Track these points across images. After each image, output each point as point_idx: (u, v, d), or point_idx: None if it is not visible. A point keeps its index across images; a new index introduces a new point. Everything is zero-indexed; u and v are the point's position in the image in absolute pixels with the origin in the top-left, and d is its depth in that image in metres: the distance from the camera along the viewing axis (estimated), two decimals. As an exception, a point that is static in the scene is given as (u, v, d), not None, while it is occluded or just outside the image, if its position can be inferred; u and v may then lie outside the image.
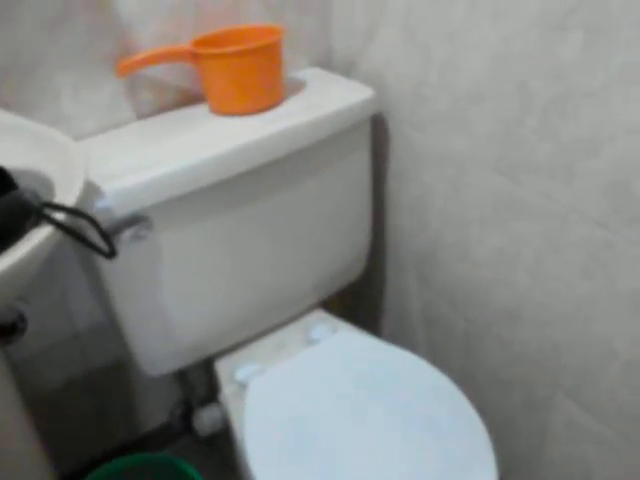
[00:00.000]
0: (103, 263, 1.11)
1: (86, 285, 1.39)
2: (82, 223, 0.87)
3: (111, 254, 0.86)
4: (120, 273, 1.13)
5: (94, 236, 0.88)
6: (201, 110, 1.28)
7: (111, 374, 1.56)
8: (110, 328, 1.46)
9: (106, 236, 0.86)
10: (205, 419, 1.34)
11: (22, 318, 1.27)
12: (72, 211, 0.83)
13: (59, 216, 0.82)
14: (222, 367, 1.35)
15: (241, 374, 1.30)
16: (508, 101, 1.11)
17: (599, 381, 1.18)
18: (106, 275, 1.13)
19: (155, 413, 1.72)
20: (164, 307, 1.20)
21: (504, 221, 1.22)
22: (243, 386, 1.28)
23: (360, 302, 1.80)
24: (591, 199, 1.04)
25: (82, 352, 1.48)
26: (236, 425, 1.22)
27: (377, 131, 1.44)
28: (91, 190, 1.03)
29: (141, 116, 1.28)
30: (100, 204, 1.03)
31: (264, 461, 1.12)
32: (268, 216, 1.25)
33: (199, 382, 1.59)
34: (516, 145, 1.13)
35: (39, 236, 0.79)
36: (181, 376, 1.64)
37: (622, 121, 0.95)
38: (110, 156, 1.14)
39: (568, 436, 1.30)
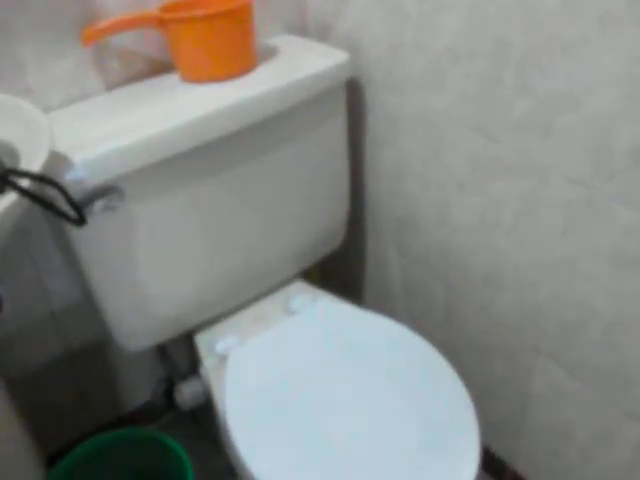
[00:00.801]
0: (76, 237, 1.09)
1: (61, 262, 1.36)
2: (52, 194, 0.85)
3: (80, 221, 0.84)
4: (93, 246, 1.11)
5: (64, 208, 0.85)
6: (171, 79, 1.25)
7: (91, 353, 1.54)
8: (87, 305, 1.44)
9: (74, 203, 0.84)
10: (186, 393, 1.32)
11: (-2, 297, 1.24)
12: (38, 177, 0.80)
13: (24, 183, 0.80)
14: (202, 340, 1.33)
15: (221, 346, 1.28)
16: (484, 58, 1.09)
17: (580, 342, 1.17)
18: (79, 249, 1.11)
19: (138, 391, 1.70)
20: (140, 280, 1.18)
21: (482, 183, 1.21)
22: (223, 358, 1.27)
23: (340, 273, 1.78)
24: (570, 156, 1.03)
25: (60, 331, 1.46)
26: (217, 397, 1.21)
27: (353, 96, 1.42)
28: (60, 161, 1.01)
29: (110, 86, 1.26)
30: (70, 175, 1.01)
31: (245, 431, 1.11)
32: (243, 185, 1.23)
33: (181, 359, 1.57)
34: (493, 103, 1.11)
35: (3, 204, 0.77)
36: (162, 353, 1.62)
37: (601, 73, 0.93)
38: (78, 127, 1.11)
39: (550, 398, 1.30)
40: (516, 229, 1.18)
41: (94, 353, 1.55)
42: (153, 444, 1.27)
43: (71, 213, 0.85)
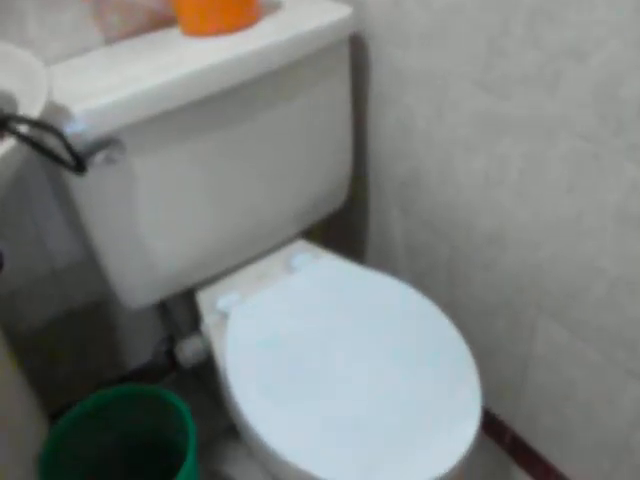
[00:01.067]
0: (77, 192, 1.08)
1: (62, 220, 1.35)
2: (52, 144, 0.84)
3: (80, 169, 0.83)
4: (94, 200, 1.10)
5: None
6: (172, 33, 1.24)
7: (92, 312, 1.54)
8: (88, 263, 1.43)
9: (73, 150, 0.83)
10: (187, 350, 1.32)
11: (-1, 254, 1.24)
12: (37, 123, 0.79)
13: (23, 129, 0.79)
14: (203, 298, 1.32)
15: (222, 303, 1.28)
16: (491, 9, 1.07)
17: (583, 301, 1.17)
18: (80, 204, 1.10)
19: (140, 351, 1.70)
20: (141, 235, 1.17)
21: (488, 141, 1.19)
22: (224, 315, 1.26)
23: (342, 232, 1.77)
24: (577, 110, 1.01)
25: (61, 289, 1.45)
26: (218, 354, 1.21)
27: (357, 52, 1.40)
28: (60, 114, 0.99)
29: (109, 41, 1.24)
30: (70, 128, 1.00)
31: (246, 387, 1.11)
32: (244, 141, 1.22)
33: (182, 318, 1.57)
34: (500, 57, 1.09)
35: (2, 149, 0.76)
36: (164, 312, 1.62)
37: (611, 24, 0.92)
38: (78, 80, 1.10)
39: (552, 358, 1.30)
40: (521, 187, 1.17)
41: (95, 312, 1.54)
42: (155, 400, 1.26)
43: (71, 161, 0.84)
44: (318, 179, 1.38)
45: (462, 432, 1.03)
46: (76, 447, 1.26)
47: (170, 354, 1.68)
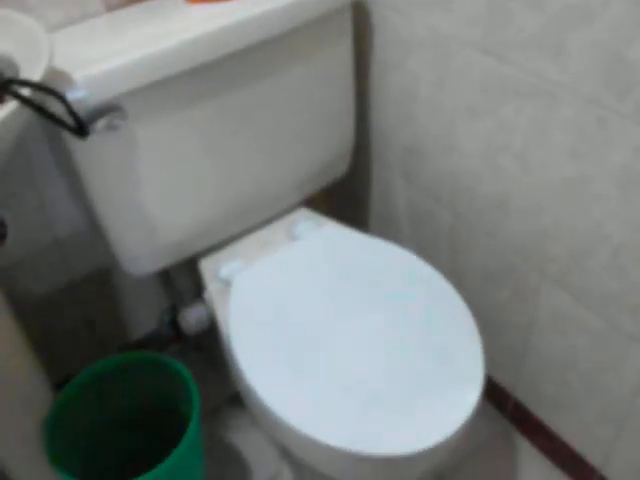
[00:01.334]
0: (79, 159, 1.08)
1: (64, 189, 1.35)
2: (54, 109, 0.84)
3: (82, 132, 0.83)
4: (96, 167, 1.10)
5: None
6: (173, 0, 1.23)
7: (96, 281, 1.54)
8: (91, 232, 1.43)
9: (74, 113, 0.83)
10: (190, 318, 1.32)
11: (2, 224, 1.24)
12: (38, 86, 0.79)
13: (25, 92, 0.78)
14: (206, 266, 1.33)
15: (225, 271, 1.28)
16: (494, -26, 1.06)
17: (587, 267, 1.16)
18: (83, 171, 1.10)
19: (143, 321, 1.71)
20: (143, 203, 1.17)
21: (491, 106, 1.19)
22: (227, 283, 1.26)
23: (345, 202, 1.77)
24: (582, 73, 1.00)
25: (64, 259, 1.46)
26: (221, 321, 1.21)
27: (359, 19, 1.39)
28: (61, 80, 0.99)
29: (110, 7, 1.23)
30: (72, 94, 0.99)
31: (249, 354, 1.11)
32: (246, 109, 1.21)
33: (186, 288, 1.57)
34: (503, 20, 1.08)
35: (4, 112, 0.76)
36: (167, 281, 1.62)
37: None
38: (79, 47, 1.10)
39: (555, 326, 1.30)
40: (525, 152, 1.16)
41: (99, 281, 1.55)
42: (159, 368, 1.27)
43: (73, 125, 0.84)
44: (320, 147, 1.38)
45: (464, 398, 1.04)
46: (80, 414, 1.27)
47: (174, 324, 1.68)
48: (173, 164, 1.17)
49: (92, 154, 1.08)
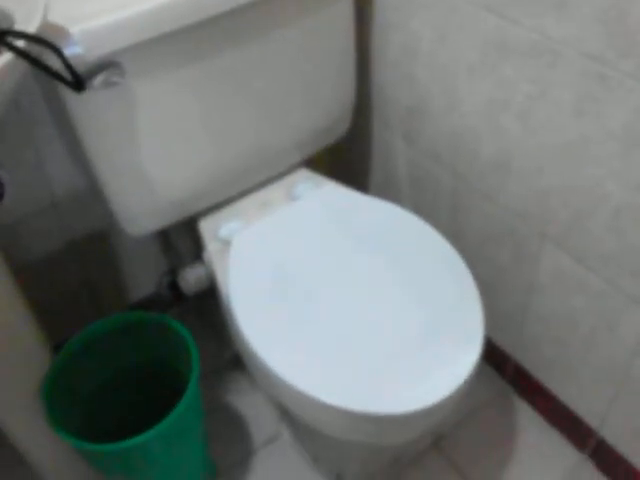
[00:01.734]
0: (77, 117, 1.07)
1: (63, 148, 1.34)
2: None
3: (78, 86, 0.82)
4: (94, 125, 1.09)
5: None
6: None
7: (95, 243, 1.54)
8: (90, 194, 1.42)
9: (70, 66, 0.81)
10: (190, 277, 1.32)
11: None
12: (34, 38, 0.78)
13: (20, 44, 0.77)
14: (205, 226, 1.32)
15: (224, 231, 1.28)
16: None
17: (587, 228, 1.16)
18: (81, 129, 1.09)
19: (143, 283, 1.71)
20: (141, 161, 1.16)
21: (493, 66, 1.17)
22: (226, 243, 1.26)
23: (345, 164, 1.76)
24: (585, 31, 0.99)
25: (63, 220, 1.45)
26: (220, 281, 1.21)
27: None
28: (58, 35, 0.97)
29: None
30: (68, 50, 0.97)
31: (249, 313, 1.11)
32: (245, 67, 1.20)
33: (186, 250, 1.56)
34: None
35: (-1, 63, 0.75)
36: (166, 243, 1.62)
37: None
38: (76, 3, 1.07)
39: (555, 287, 1.30)
40: (526, 112, 1.15)
41: (98, 242, 1.54)
42: (158, 328, 1.27)
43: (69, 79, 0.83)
44: (320, 107, 1.36)
45: (464, 358, 1.04)
46: (80, 374, 1.27)
47: (173, 286, 1.68)
48: (171, 123, 1.16)
49: (90, 111, 1.06)
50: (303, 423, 1.13)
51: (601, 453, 1.41)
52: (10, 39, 0.76)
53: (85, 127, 1.09)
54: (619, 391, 1.28)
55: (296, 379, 1.02)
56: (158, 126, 1.15)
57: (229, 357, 1.70)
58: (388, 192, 1.64)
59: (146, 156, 1.16)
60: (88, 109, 1.06)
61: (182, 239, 1.51)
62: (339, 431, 1.06)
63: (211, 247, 1.27)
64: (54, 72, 0.79)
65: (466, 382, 1.02)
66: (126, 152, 1.14)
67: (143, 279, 1.70)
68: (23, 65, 0.79)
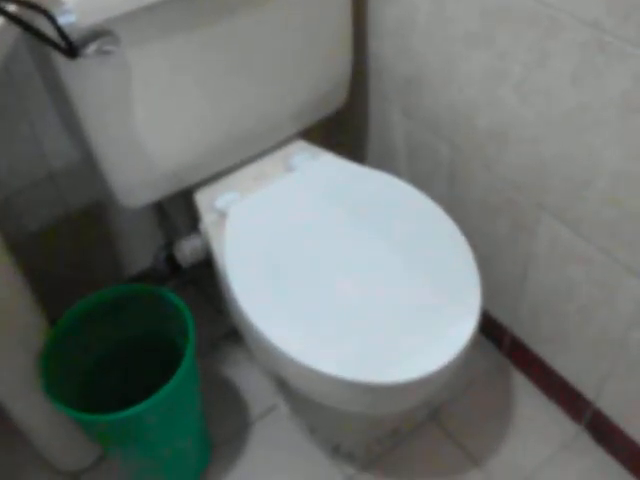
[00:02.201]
0: (72, 87, 1.06)
1: (58, 120, 1.33)
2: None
3: (71, 52, 0.81)
4: (89, 94, 1.08)
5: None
6: None
7: (91, 217, 1.53)
8: (86, 167, 1.42)
9: (63, 32, 0.80)
10: (186, 248, 1.32)
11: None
12: (25, 3, 0.77)
13: (11, 9, 0.76)
14: (201, 198, 1.32)
15: (220, 202, 1.27)
16: None
17: (585, 198, 1.15)
18: (75, 98, 1.08)
19: (139, 257, 1.70)
20: (136, 131, 1.16)
21: (491, 35, 1.16)
22: (223, 214, 1.25)
23: (342, 136, 1.75)
24: (583, -4, 0.98)
25: (58, 193, 1.44)
26: (217, 252, 1.20)
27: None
28: (52, 3, 0.96)
29: None
30: (62, 19, 0.96)
31: (246, 285, 1.11)
32: (241, 37, 1.18)
33: (182, 223, 1.56)
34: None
35: (-10, 28, 0.74)
36: (163, 217, 1.61)
37: None
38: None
39: (552, 259, 1.29)
40: (524, 81, 1.14)
41: (94, 216, 1.54)
42: (154, 300, 1.26)
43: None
44: (316, 77, 1.35)
45: (460, 328, 1.04)
46: (76, 348, 1.27)
47: (170, 260, 1.67)
48: (166, 93, 1.15)
49: (84, 81, 1.05)
50: (301, 394, 1.13)
51: (597, 424, 1.41)
52: (2, 4, 0.75)
53: (79, 97, 1.08)
54: (615, 362, 1.28)
55: (293, 349, 1.02)
56: (153, 96, 1.14)
57: (226, 331, 1.70)
58: (385, 164, 1.64)
59: (141, 126, 1.16)
60: (82, 79, 1.05)
61: (178, 212, 1.51)
62: (337, 401, 1.06)
63: (207, 218, 1.27)
64: (47, 38, 0.78)
65: (463, 351, 1.02)
66: (121, 122, 1.13)
67: (139, 253, 1.69)
68: (15, 31, 0.78)
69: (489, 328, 1.58)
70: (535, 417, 1.50)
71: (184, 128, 1.21)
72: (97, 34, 1.01)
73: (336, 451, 1.45)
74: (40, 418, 1.29)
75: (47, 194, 1.43)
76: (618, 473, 1.40)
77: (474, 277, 1.11)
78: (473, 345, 1.06)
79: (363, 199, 1.23)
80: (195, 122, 1.22)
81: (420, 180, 1.54)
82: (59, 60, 1.01)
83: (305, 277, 1.11)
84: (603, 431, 1.41)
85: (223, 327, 1.71)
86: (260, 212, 1.23)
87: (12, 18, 0.74)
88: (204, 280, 1.81)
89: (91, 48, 1.00)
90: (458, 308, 1.06)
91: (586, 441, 1.44)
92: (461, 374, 1.56)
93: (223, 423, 1.53)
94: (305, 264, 1.13)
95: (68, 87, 1.06)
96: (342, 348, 1.02)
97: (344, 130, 1.73)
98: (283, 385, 1.50)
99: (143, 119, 1.15)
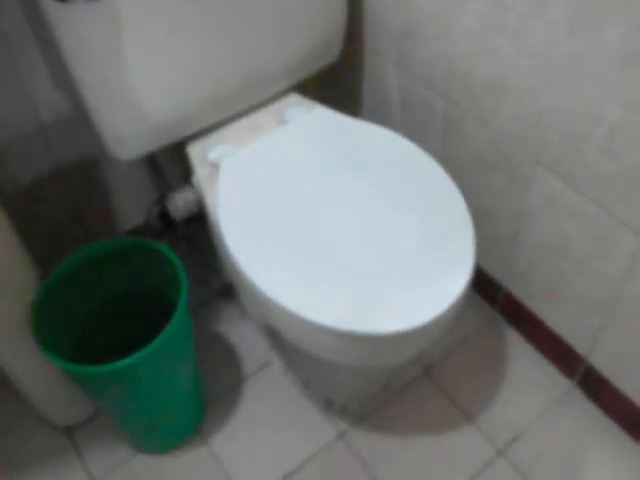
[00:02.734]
0: (61, 35, 1.04)
1: (47, 71, 1.31)
2: None
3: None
4: (78, 41, 1.05)
5: None
6: None
7: (83, 171, 1.52)
8: (77, 118, 1.40)
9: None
10: (179, 201, 1.30)
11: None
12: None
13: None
14: (194, 150, 1.30)
15: (213, 155, 1.25)
16: None
17: (581, 151, 1.15)
18: (65, 46, 1.05)
19: (132, 213, 1.70)
20: (126, 79, 1.13)
21: (488, -16, 1.15)
22: (215, 166, 1.24)
23: (336, 90, 1.73)
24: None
25: (50, 147, 1.43)
26: (210, 205, 1.19)
27: None
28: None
29: None
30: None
31: (239, 237, 1.10)
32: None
33: (175, 178, 1.55)
34: None
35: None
36: (156, 171, 1.60)
37: None
38: None
39: (547, 214, 1.29)
40: (521, 31, 1.13)
41: (86, 170, 1.52)
42: (147, 254, 1.25)
43: None
44: (310, 29, 1.32)
45: (454, 278, 1.03)
46: (69, 300, 1.26)
47: (163, 217, 1.66)
48: (157, 42, 1.13)
49: (74, 28, 1.03)
50: (295, 348, 1.13)
51: (589, 380, 1.42)
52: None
53: (69, 46, 1.05)
54: (609, 318, 1.28)
55: (287, 300, 1.01)
56: (143, 44, 1.12)
57: (219, 287, 1.70)
58: (380, 119, 1.62)
59: (131, 75, 1.13)
60: (72, 26, 1.03)
61: (171, 166, 1.49)
62: (331, 353, 1.06)
63: (200, 171, 1.25)
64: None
65: (457, 303, 1.02)
66: (111, 70, 1.11)
67: (132, 209, 1.68)
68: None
69: (482, 285, 1.58)
70: (528, 373, 1.50)
71: (175, 78, 1.19)
72: (86, -21, 0.99)
73: (329, 406, 1.46)
74: (34, 373, 1.29)
75: (38, 147, 1.41)
76: (609, 428, 1.41)
77: (468, 229, 1.10)
78: (466, 300, 1.06)
79: (357, 151, 1.22)
80: (186, 73, 1.20)
81: (415, 135, 1.52)
82: (49, 7, 0.99)
83: (299, 228, 1.10)
84: (595, 387, 1.41)
85: (217, 284, 1.71)
86: (253, 164, 1.22)
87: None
88: (198, 237, 1.80)
89: (80, -7, 0.99)
90: (452, 259, 1.06)
91: (578, 397, 1.45)
92: (454, 331, 1.56)
93: (217, 379, 1.53)
94: (299, 215, 1.12)
95: (58, 35, 1.04)
96: (335, 298, 1.01)
97: (338, 84, 1.71)
98: (277, 341, 1.50)
99: (134, 68, 1.13)
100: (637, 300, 1.21)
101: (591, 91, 1.07)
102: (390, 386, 1.48)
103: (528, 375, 1.50)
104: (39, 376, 1.30)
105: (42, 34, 1.12)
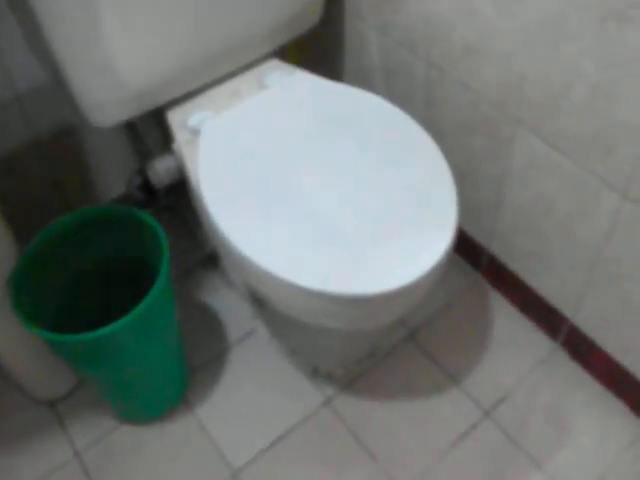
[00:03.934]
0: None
1: (22, 38, 1.28)
2: None
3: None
4: (54, 6, 1.03)
5: None
6: None
7: (62, 141, 1.50)
8: (54, 87, 1.38)
9: None
10: (159, 168, 1.28)
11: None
12: None
13: None
14: (174, 116, 1.28)
15: (193, 120, 1.24)
16: None
17: (562, 110, 1.14)
18: (40, 12, 1.03)
19: (113, 184, 1.68)
20: (103, 46, 1.11)
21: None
22: (196, 132, 1.23)
23: (317, 56, 1.71)
24: None
25: (27, 116, 1.41)
26: (190, 170, 1.18)
27: None
28: None
29: None
30: None
31: (220, 202, 1.10)
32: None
33: (155, 148, 1.53)
34: None
35: None
36: (136, 140, 1.58)
37: None
38: None
39: (529, 174, 1.29)
40: (501, -10, 1.12)
41: (65, 140, 1.50)
42: (128, 222, 1.24)
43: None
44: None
45: (437, 239, 1.03)
46: (49, 270, 1.24)
47: (144, 187, 1.65)
48: (134, 8, 1.11)
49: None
50: (280, 313, 1.12)
51: (573, 341, 1.43)
52: None
53: (45, 12, 1.04)
54: (592, 278, 1.29)
55: (271, 264, 1.01)
56: (120, 10, 1.09)
57: (203, 257, 1.69)
58: (362, 84, 1.60)
59: (108, 41, 1.11)
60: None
61: (151, 134, 1.48)
62: (317, 317, 1.06)
63: (180, 137, 1.24)
64: None
65: (441, 263, 1.02)
66: (87, 34, 1.09)
67: (113, 179, 1.67)
68: None
69: (466, 248, 1.58)
70: (512, 335, 1.51)
71: (153, 44, 1.17)
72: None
73: (315, 373, 1.46)
74: (14, 345, 1.28)
75: (15, 116, 1.39)
76: (593, 388, 1.42)
77: (451, 188, 1.10)
78: (450, 262, 1.06)
79: (339, 113, 1.21)
80: (164, 38, 1.18)
81: (397, 100, 1.51)
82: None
83: (281, 191, 1.10)
84: (579, 347, 1.42)
85: (201, 254, 1.70)
86: (233, 129, 1.20)
87: None
88: (181, 208, 1.79)
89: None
90: (435, 219, 1.06)
91: (562, 357, 1.46)
92: (438, 294, 1.56)
93: (201, 347, 1.53)
94: (281, 178, 1.11)
95: (33, 3, 1.02)
96: (319, 260, 1.01)
97: (319, 50, 1.69)
98: (262, 309, 1.49)
99: (110, 34, 1.11)
100: (618, 259, 1.21)
101: (571, 48, 1.06)
102: (376, 351, 1.48)
103: (513, 337, 1.50)
104: (20, 348, 1.29)
105: (17, 3, 1.09)
